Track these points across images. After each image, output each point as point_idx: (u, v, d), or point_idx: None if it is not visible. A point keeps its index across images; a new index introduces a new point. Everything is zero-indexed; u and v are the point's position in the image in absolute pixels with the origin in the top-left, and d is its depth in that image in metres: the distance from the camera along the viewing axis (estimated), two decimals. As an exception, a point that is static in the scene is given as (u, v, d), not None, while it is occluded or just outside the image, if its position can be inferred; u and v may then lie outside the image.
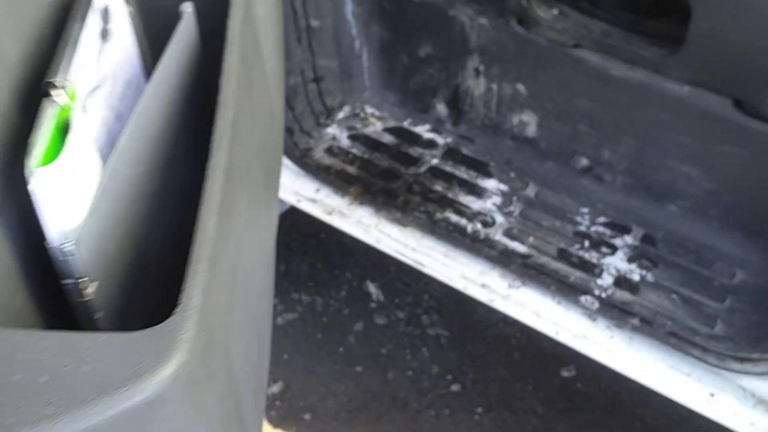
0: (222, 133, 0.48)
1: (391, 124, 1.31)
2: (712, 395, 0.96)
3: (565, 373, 1.51)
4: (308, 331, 1.58)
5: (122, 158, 0.46)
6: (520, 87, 1.17)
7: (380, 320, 1.61)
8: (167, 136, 0.51)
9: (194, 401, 0.41)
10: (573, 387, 1.49)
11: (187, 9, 0.54)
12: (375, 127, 1.30)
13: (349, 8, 1.26)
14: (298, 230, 1.75)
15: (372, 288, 1.67)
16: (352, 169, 1.23)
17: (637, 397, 1.47)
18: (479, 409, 1.47)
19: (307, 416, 1.45)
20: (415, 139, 1.28)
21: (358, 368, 1.53)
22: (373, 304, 1.64)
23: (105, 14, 0.49)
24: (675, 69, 1.02)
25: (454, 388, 1.50)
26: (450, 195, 1.18)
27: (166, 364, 0.37)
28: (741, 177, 1.03)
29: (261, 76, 0.62)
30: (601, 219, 1.14)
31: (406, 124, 1.31)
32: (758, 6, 0.90)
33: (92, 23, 0.47)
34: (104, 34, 0.49)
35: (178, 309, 0.39)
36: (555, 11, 1.11)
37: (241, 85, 0.54)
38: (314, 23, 1.25)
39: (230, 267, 0.48)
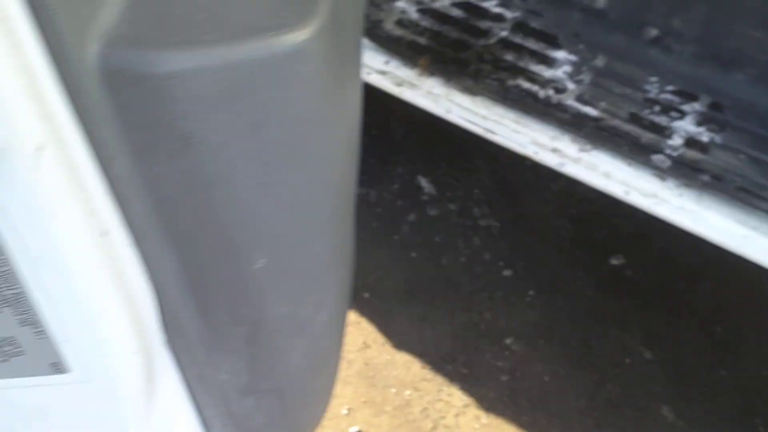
0: None
1: None
2: (780, 247, 0.99)
3: (614, 261, 1.55)
4: (363, 220, 1.62)
5: None
6: (593, -44, 1.18)
7: (432, 211, 1.65)
8: None
9: (325, 84, 0.45)
10: (622, 274, 1.54)
11: None
12: (442, 2, 1.31)
13: None
14: (350, 126, 1.78)
15: (423, 182, 1.70)
16: (422, 40, 1.24)
17: (685, 284, 1.51)
18: (531, 292, 1.51)
19: (366, 295, 1.50)
20: (484, 13, 1.29)
21: (413, 254, 1.57)
22: (425, 197, 1.67)
23: None
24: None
25: (506, 273, 1.55)
26: (521, 64, 1.20)
27: (308, 25, 0.42)
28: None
29: None
30: (670, 87, 1.15)
31: None
32: None
33: None
34: None
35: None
36: None
37: None
38: None
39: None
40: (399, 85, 1.22)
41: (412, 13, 1.29)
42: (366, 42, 1.24)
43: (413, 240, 1.60)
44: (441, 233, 1.61)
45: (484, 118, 1.16)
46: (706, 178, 1.02)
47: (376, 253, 1.57)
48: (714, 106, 1.13)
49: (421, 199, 1.67)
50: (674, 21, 1.15)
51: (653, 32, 1.18)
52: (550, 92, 1.15)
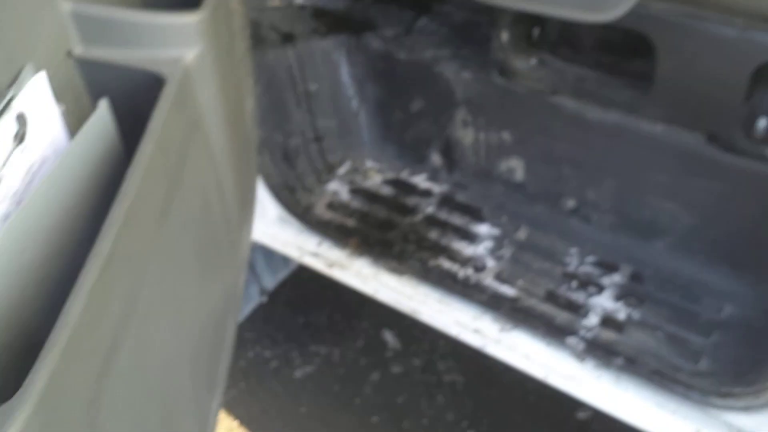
0: (111, 223, 0.49)
1: (390, 175, 1.37)
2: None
3: (581, 415, 1.50)
4: (325, 384, 1.62)
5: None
6: (505, 135, 1.21)
7: (396, 369, 1.64)
8: (69, 226, 0.53)
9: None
10: (589, 429, 1.48)
11: (101, 104, 0.60)
12: (374, 180, 1.36)
13: (344, 70, 1.34)
14: (316, 281, 1.81)
15: (389, 336, 1.70)
16: (351, 222, 1.28)
17: (657, 438, 1.45)
18: (495, 454, 1.46)
19: (324, 466, 1.48)
20: (412, 189, 1.33)
21: (374, 419, 1.55)
22: (389, 353, 1.67)
23: (21, 119, 0.55)
24: (647, 108, 1.05)
25: (470, 433, 1.51)
26: (443, 242, 1.22)
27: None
28: (721, 211, 1.04)
29: (198, 157, 0.69)
30: (590, 258, 1.16)
31: (404, 174, 1.36)
32: (717, 43, 0.93)
33: (6, 126, 0.52)
34: (19, 137, 0.55)
35: (16, 394, 0.39)
36: (534, 61, 1.16)
37: (154, 174, 0.57)
38: (312, 87, 1.33)
39: (102, 359, 0.48)
40: (331, 266, 1.25)
41: (344, 194, 1.34)
42: (299, 226, 1.29)
43: (375, 402, 1.58)
44: (404, 393, 1.59)
45: (410, 298, 1.17)
46: (620, 361, 1.00)
47: (336, 421, 1.56)
48: (635, 277, 1.12)
49: (385, 356, 1.67)
50: (588, 192, 1.17)
51: (571, 203, 1.19)
52: (470, 271, 1.17)
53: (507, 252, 1.19)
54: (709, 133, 1.01)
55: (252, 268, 1.61)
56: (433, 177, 1.34)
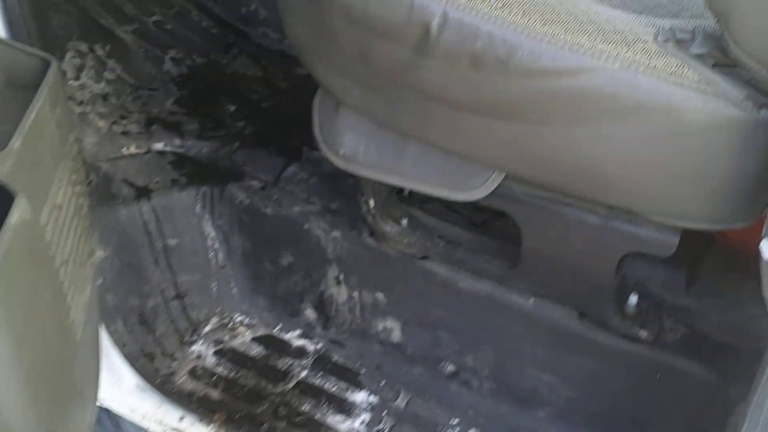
0: None
1: (261, 331, 1.27)
2: None
3: None
4: None
5: None
6: (379, 295, 1.15)
7: None
8: None
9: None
10: None
11: None
12: (244, 338, 1.26)
13: (208, 223, 1.25)
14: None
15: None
16: (216, 393, 1.17)
17: None
18: None
19: None
20: (285, 348, 1.24)
21: None
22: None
23: None
24: (517, 282, 1.01)
25: None
26: (317, 416, 1.13)
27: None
28: (598, 386, 1.01)
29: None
30: (472, 431, 1.10)
31: (276, 330, 1.27)
32: (582, 228, 0.90)
33: None
34: None
35: None
36: (404, 222, 1.11)
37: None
38: (171, 242, 1.23)
39: None
40: (194, 445, 1.14)
41: (209, 358, 1.23)
42: (158, 397, 1.16)
43: None
44: None
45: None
46: None
47: None
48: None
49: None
50: (467, 358, 1.11)
51: (450, 367, 1.14)
52: (346, 455, 1.08)
53: (386, 426, 1.11)
54: (580, 310, 0.98)
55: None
56: (308, 333, 1.25)
